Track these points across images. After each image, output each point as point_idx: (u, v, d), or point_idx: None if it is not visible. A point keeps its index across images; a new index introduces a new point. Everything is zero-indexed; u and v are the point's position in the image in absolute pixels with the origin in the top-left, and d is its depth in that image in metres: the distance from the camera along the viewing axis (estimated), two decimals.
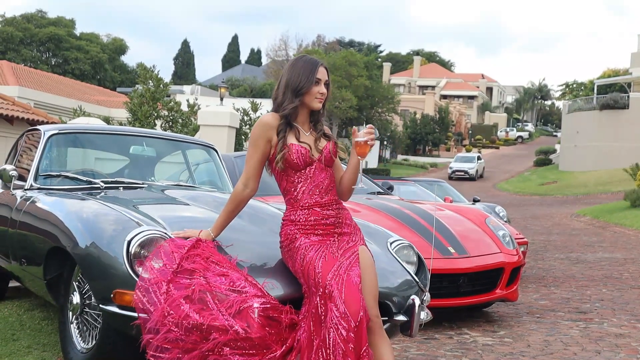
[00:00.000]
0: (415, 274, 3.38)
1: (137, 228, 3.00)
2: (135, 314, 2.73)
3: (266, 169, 2.98)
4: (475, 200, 10.94)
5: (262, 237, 3.20)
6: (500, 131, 72.78)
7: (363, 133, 2.84)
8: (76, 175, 4.27)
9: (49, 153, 4.39)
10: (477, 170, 40.91)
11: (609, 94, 39.32)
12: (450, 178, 37.86)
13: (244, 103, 22.09)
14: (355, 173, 2.92)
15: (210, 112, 15.56)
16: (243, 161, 3.53)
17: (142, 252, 2.89)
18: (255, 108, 19.89)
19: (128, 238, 2.92)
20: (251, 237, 3.20)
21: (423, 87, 79.30)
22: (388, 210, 5.48)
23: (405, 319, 3.15)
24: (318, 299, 2.67)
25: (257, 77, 64.01)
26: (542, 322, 5.39)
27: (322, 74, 2.91)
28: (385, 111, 48.21)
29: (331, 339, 2.59)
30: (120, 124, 18.05)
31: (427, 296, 3.34)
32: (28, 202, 3.95)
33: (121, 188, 4.12)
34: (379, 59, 79.77)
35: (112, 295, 2.86)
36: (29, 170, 4.33)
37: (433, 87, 78.59)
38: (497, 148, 64.61)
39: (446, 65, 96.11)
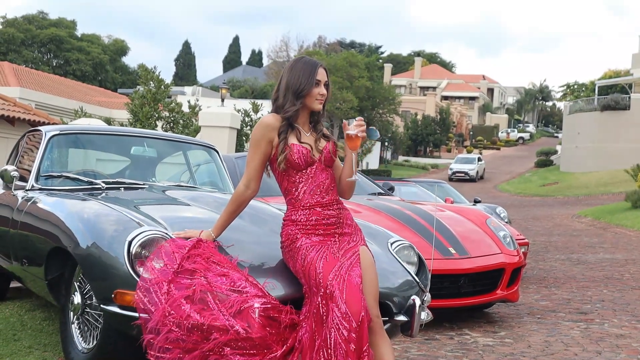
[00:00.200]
0: (416, 275, 3.39)
1: (138, 228, 3.00)
2: (136, 314, 2.73)
3: (266, 169, 2.99)
4: (476, 201, 10.95)
5: (263, 238, 3.21)
6: (501, 132, 72.81)
7: (353, 126, 2.84)
8: (77, 176, 4.28)
9: (50, 154, 4.40)
10: (477, 172, 40.91)
11: (610, 94, 39.32)
12: (450, 179, 37.85)
13: (245, 104, 22.10)
14: (350, 166, 2.92)
15: (211, 113, 15.57)
16: (244, 162, 3.54)
17: (143, 252, 2.89)
18: (256, 109, 19.90)
19: (129, 238, 2.93)
20: (252, 237, 3.20)
21: (424, 88, 79.33)
22: (389, 211, 5.49)
23: (406, 319, 3.15)
24: (319, 299, 2.68)
25: (258, 78, 64.08)
26: (542, 323, 5.39)
27: (321, 75, 2.92)
28: (386, 112, 48.24)
29: (332, 339, 2.60)
30: (122, 125, 18.06)
31: (427, 296, 3.35)
32: (29, 203, 3.96)
33: (122, 189, 4.12)
34: (380, 60, 79.69)
35: (113, 295, 2.86)
36: (30, 171, 4.34)
37: (434, 88, 78.62)
38: (498, 149, 64.62)
39: (447, 66, 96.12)
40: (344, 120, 2.91)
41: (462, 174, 40.02)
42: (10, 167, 4.42)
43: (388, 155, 50.08)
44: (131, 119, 17.09)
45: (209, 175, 4.99)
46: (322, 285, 2.68)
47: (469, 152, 56.76)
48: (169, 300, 2.66)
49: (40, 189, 4.15)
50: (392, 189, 7.59)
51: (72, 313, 3.36)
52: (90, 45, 56.74)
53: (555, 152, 49.89)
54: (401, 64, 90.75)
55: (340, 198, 3.03)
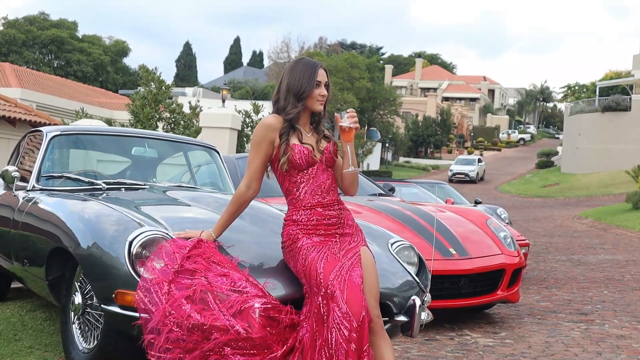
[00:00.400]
0: (416, 275, 3.39)
1: (139, 228, 3.01)
2: (136, 314, 2.74)
3: (267, 170, 2.99)
4: (476, 202, 10.96)
5: (263, 238, 3.21)
6: (502, 133, 72.78)
7: (346, 118, 2.85)
8: (78, 177, 4.29)
9: (51, 154, 4.40)
10: (477, 173, 40.89)
11: (611, 96, 39.31)
12: (450, 181, 37.83)
13: (246, 105, 22.12)
14: (348, 158, 2.92)
15: (212, 114, 15.58)
16: (244, 163, 3.55)
17: (143, 252, 2.90)
18: (257, 110, 19.92)
19: (130, 238, 2.93)
20: (252, 237, 3.21)
21: (425, 90, 79.26)
22: (389, 212, 5.49)
23: (406, 320, 3.15)
24: (320, 299, 2.68)
25: (259, 79, 64.09)
26: (543, 324, 5.39)
27: (321, 76, 2.92)
28: (387, 113, 48.25)
29: (333, 339, 2.61)
30: (122, 126, 18.06)
31: (427, 297, 3.35)
32: (30, 203, 3.96)
33: (123, 189, 4.13)
34: (381, 61, 79.78)
35: (113, 295, 2.87)
36: (31, 172, 4.34)
37: (435, 90, 78.59)
38: (499, 150, 64.61)
39: (448, 67, 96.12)
40: (335, 114, 2.91)
41: (462, 176, 40.00)
42: (11, 168, 4.43)
43: (389, 156, 50.09)
44: (132, 120, 17.08)
45: (210, 175, 4.99)
46: (323, 285, 2.69)
47: (469, 153, 56.75)
48: (170, 300, 2.66)
49: (41, 190, 4.16)
50: (392, 189, 7.60)
51: (72, 313, 3.37)
52: (92, 46, 56.78)
53: (556, 153, 49.87)
54: (402, 65, 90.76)
55: (345, 196, 3.03)
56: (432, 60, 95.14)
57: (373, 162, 43.02)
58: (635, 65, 42.18)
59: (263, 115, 18.76)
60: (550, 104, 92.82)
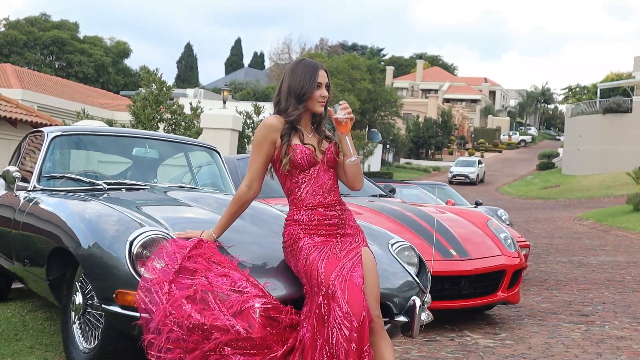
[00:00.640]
0: (417, 276, 3.40)
1: (140, 229, 3.01)
2: (137, 314, 2.74)
3: (269, 171, 3.00)
4: (477, 204, 10.97)
5: (264, 238, 3.22)
6: (503, 135, 72.76)
7: (340, 111, 2.86)
8: (79, 177, 4.29)
9: (52, 155, 4.41)
10: (477, 175, 40.81)
11: (612, 97, 39.28)
12: (450, 182, 37.73)
13: (247, 106, 22.10)
14: (348, 148, 2.93)
15: (213, 115, 15.61)
16: (245, 164, 3.55)
17: (144, 252, 2.90)
18: (258, 111, 19.91)
19: (130, 238, 2.94)
20: (253, 238, 3.21)
21: (426, 91, 79.23)
22: (389, 213, 5.49)
23: (406, 320, 3.16)
24: (321, 298, 2.69)
25: (260, 80, 64.14)
26: (543, 325, 5.39)
27: (322, 77, 2.93)
28: (388, 115, 48.20)
29: (334, 339, 2.61)
30: (124, 127, 18.07)
31: (427, 297, 3.36)
32: (31, 204, 3.97)
33: (124, 189, 4.13)
34: (382, 63, 79.80)
35: (114, 295, 2.87)
36: (32, 172, 4.35)
37: (436, 91, 78.54)
38: (500, 152, 64.56)
39: (449, 68, 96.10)
40: (329, 108, 2.92)
41: (462, 177, 39.92)
42: (12, 168, 4.43)
43: (390, 157, 50.07)
44: (133, 120, 17.09)
45: (211, 176, 5.00)
46: (324, 285, 2.70)
47: (470, 154, 56.71)
48: (170, 300, 2.67)
49: (42, 190, 4.17)
50: (393, 191, 7.60)
51: (73, 313, 3.37)
52: (93, 47, 56.79)
53: (557, 154, 49.84)
54: (403, 67, 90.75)
55: (349, 195, 3.03)
56: (433, 61, 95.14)
57: (374, 163, 43.03)
58: (637, 66, 42.15)
59: (264, 117, 18.76)
60: (551, 106, 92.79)
